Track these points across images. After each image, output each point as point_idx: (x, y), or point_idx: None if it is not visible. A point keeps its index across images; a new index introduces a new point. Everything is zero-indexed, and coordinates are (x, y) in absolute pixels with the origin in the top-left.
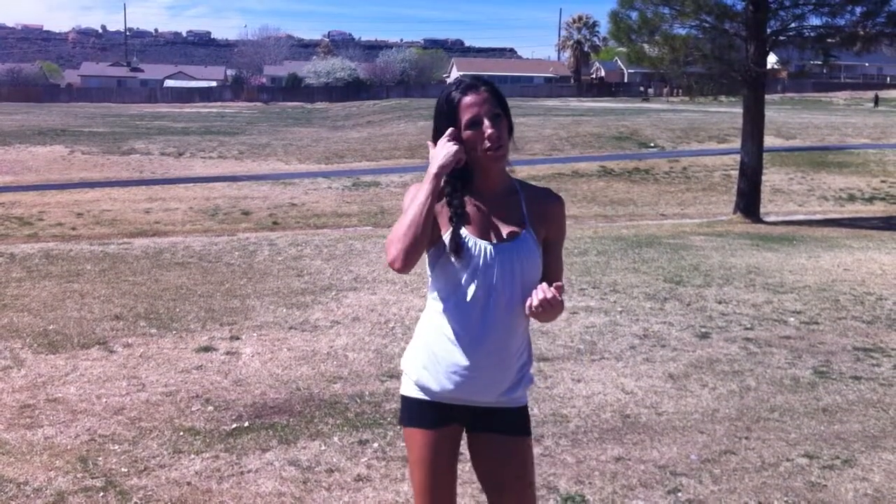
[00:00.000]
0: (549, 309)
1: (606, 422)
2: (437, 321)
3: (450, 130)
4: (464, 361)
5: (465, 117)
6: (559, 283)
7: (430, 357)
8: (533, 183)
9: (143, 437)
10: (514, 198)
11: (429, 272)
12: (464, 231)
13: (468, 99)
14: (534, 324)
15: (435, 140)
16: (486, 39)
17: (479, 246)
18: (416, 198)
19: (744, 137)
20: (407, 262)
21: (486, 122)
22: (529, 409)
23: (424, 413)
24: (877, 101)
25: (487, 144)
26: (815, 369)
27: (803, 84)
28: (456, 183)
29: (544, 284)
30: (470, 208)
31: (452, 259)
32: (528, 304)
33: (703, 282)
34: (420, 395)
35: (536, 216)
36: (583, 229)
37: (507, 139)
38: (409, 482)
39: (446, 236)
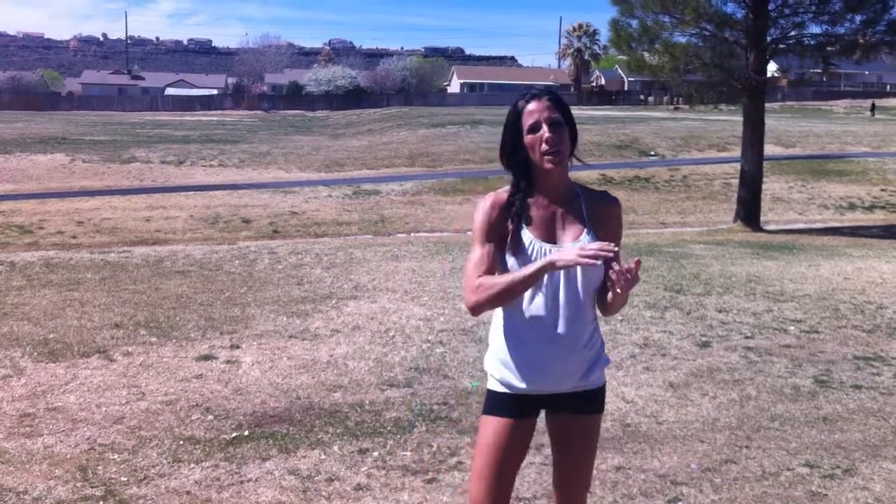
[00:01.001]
0: (631, 282)
1: (607, 431)
2: (510, 323)
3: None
4: (539, 359)
5: (527, 122)
6: (637, 259)
7: (509, 356)
8: (591, 187)
9: (142, 446)
10: (575, 202)
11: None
12: (528, 234)
13: (531, 106)
14: None
15: (502, 151)
16: (486, 47)
17: (543, 249)
18: (523, 272)
19: (744, 146)
20: (483, 312)
21: (545, 127)
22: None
23: (505, 404)
24: (873, 108)
25: (545, 147)
26: (815, 378)
27: (803, 92)
28: (520, 184)
29: (622, 264)
30: (534, 212)
31: (514, 259)
32: (611, 286)
33: (704, 290)
34: (503, 390)
35: (596, 218)
36: None
37: (566, 146)
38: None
39: (511, 241)
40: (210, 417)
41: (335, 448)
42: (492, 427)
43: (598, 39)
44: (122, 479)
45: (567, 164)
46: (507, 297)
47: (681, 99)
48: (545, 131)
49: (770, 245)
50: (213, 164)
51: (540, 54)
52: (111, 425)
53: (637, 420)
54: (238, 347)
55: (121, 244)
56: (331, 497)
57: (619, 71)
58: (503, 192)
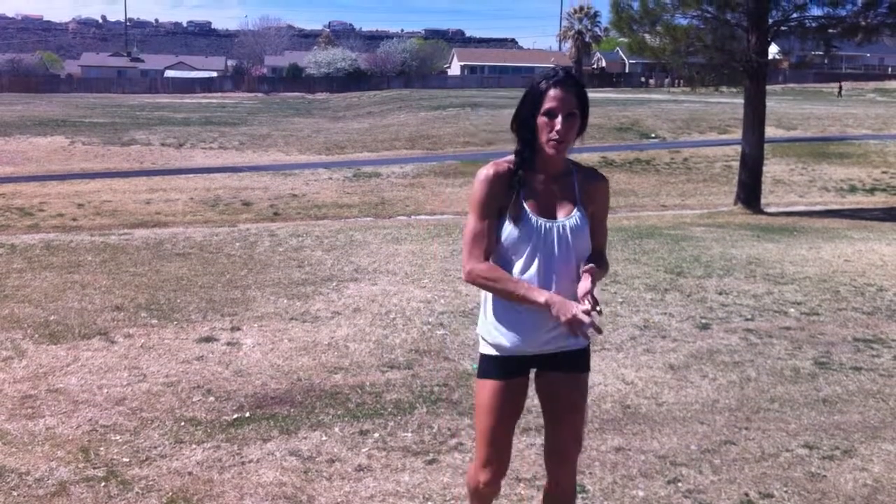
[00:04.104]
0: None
1: (607, 412)
2: None
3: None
4: (531, 320)
5: (546, 106)
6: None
7: (502, 319)
8: (583, 164)
9: (144, 427)
10: (568, 179)
11: (497, 245)
12: (527, 207)
13: (553, 92)
14: None
15: (515, 119)
16: (487, 30)
17: (539, 222)
18: (526, 293)
19: (745, 128)
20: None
21: (559, 118)
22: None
23: (497, 367)
24: (840, 91)
25: (553, 136)
26: (815, 360)
27: (804, 75)
28: (524, 152)
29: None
30: (533, 186)
31: (513, 226)
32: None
33: (704, 273)
34: (494, 353)
35: (586, 194)
36: None
37: (572, 137)
38: (473, 427)
39: (511, 208)
40: (211, 399)
41: (336, 429)
42: (486, 390)
43: (599, 21)
44: (124, 459)
45: (567, 150)
46: (501, 297)
47: (680, 81)
48: (558, 122)
49: (770, 227)
50: (212, 146)
51: (541, 36)
52: (112, 407)
53: (637, 401)
54: (239, 329)
55: (121, 226)
56: (332, 478)
57: (620, 53)
58: (504, 161)
